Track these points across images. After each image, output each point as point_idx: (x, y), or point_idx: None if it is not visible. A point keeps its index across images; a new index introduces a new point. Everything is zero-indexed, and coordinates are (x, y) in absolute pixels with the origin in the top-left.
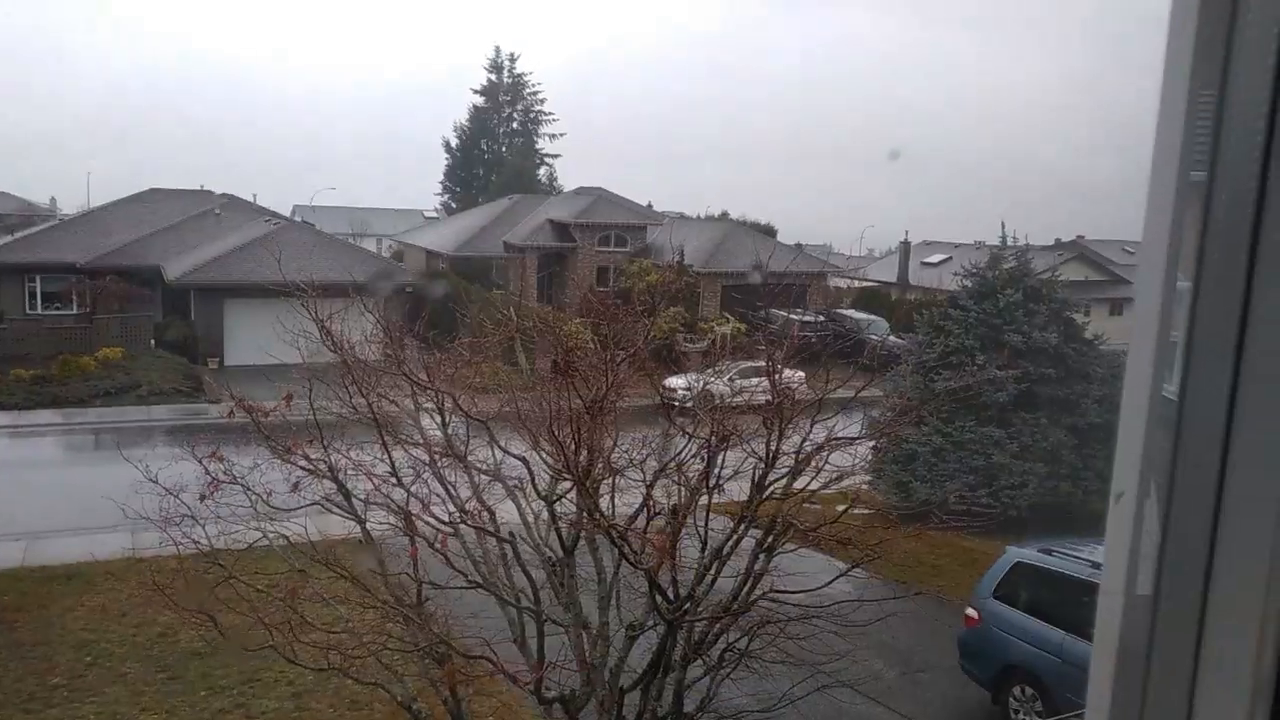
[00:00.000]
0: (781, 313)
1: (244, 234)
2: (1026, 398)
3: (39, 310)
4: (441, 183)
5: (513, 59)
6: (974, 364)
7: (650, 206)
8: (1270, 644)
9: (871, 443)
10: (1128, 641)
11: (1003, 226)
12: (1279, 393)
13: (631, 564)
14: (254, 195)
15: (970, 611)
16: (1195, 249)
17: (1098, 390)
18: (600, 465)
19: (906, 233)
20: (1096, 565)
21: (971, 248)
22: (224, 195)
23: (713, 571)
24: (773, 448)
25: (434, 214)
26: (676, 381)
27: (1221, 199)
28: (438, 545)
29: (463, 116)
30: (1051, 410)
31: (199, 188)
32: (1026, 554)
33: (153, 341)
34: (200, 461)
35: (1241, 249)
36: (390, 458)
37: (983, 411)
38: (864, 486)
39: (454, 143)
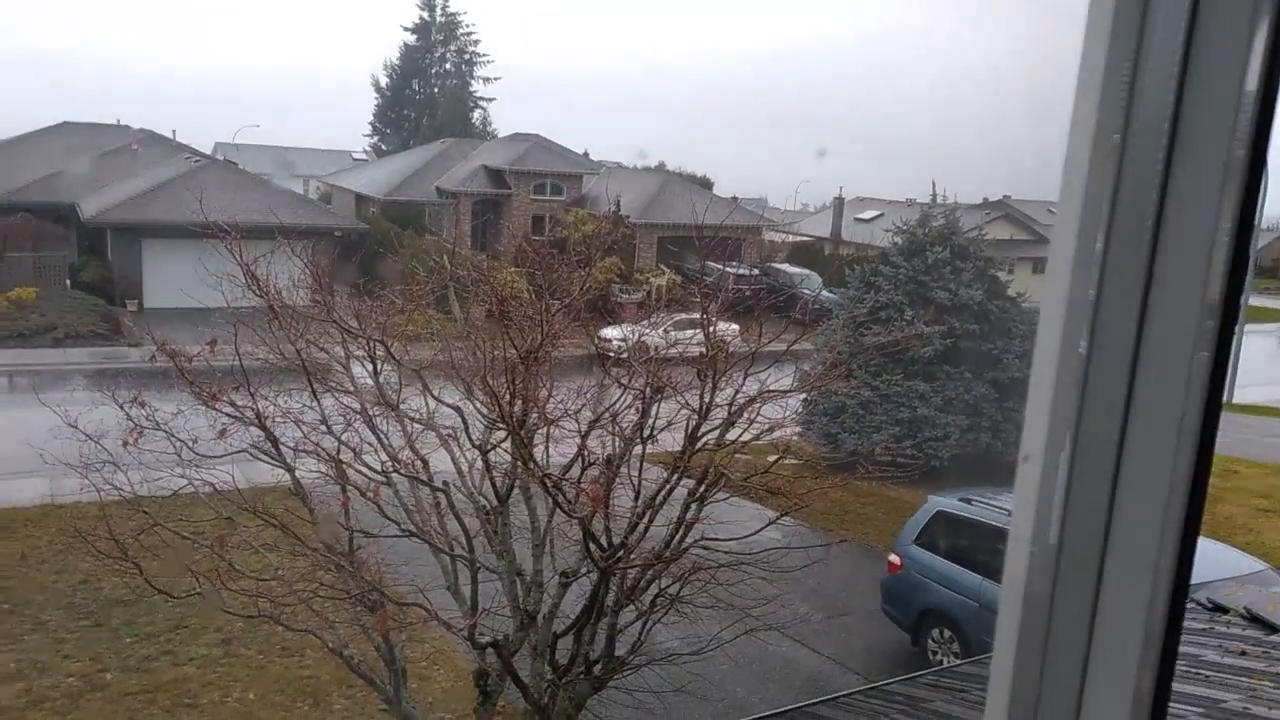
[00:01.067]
0: (717, 265)
1: (163, 171)
2: (951, 352)
3: None
4: (371, 123)
5: None
6: (902, 319)
7: (587, 155)
8: (1162, 591)
9: (803, 395)
10: (1033, 588)
11: (933, 185)
12: (1177, 347)
13: (566, 513)
14: (173, 131)
15: (893, 558)
16: (1107, 210)
17: (1019, 346)
18: (535, 415)
19: (841, 189)
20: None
21: (903, 205)
22: (142, 130)
23: (645, 520)
24: (706, 400)
25: (363, 155)
26: (612, 332)
27: (1132, 163)
28: (369, 494)
29: (393, 55)
30: (975, 365)
31: (115, 122)
32: (947, 503)
33: (68, 282)
34: (121, 407)
35: (1149, 210)
36: (320, 405)
37: (909, 365)
38: (794, 437)
39: (384, 82)
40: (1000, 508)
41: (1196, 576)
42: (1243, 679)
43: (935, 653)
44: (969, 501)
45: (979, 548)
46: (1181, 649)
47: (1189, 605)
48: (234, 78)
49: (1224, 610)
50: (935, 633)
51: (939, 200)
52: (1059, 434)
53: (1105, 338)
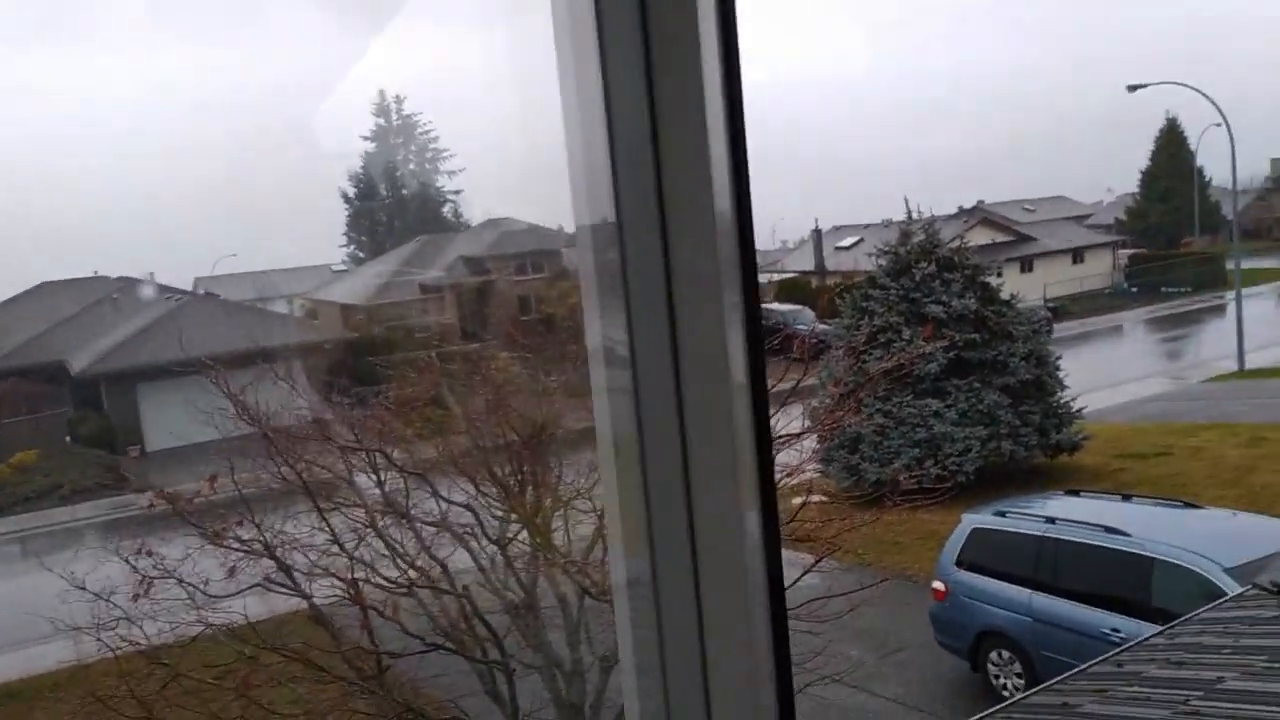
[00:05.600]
0: None
1: (146, 315)
2: (956, 365)
3: None
4: (345, 233)
5: (399, 100)
6: (901, 339)
7: (561, 229)
8: (759, 591)
9: (815, 435)
10: (640, 627)
11: (906, 202)
12: (708, 380)
13: (593, 596)
14: (151, 274)
15: (937, 584)
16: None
17: (1023, 348)
18: (548, 500)
19: (816, 220)
20: (1051, 520)
21: (880, 227)
22: (120, 279)
23: None
24: None
25: (342, 266)
26: None
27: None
28: (388, 612)
29: (356, 164)
30: (982, 373)
31: (93, 273)
32: (981, 519)
33: (68, 438)
34: (127, 560)
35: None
36: (328, 525)
37: (917, 384)
38: (816, 475)
39: (351, 192)
40: (1036, 515)
41: (1246, 554)
42: None
43: (998, 676)
44: (1003, 514)
45: (1022, 560)
46: (1256, 642)
47: (1251, 592)
48: (206, 215)
49: None
50: (994, 655)
51: (914, 216)
52: (629, 467)
53: (646, 371)
